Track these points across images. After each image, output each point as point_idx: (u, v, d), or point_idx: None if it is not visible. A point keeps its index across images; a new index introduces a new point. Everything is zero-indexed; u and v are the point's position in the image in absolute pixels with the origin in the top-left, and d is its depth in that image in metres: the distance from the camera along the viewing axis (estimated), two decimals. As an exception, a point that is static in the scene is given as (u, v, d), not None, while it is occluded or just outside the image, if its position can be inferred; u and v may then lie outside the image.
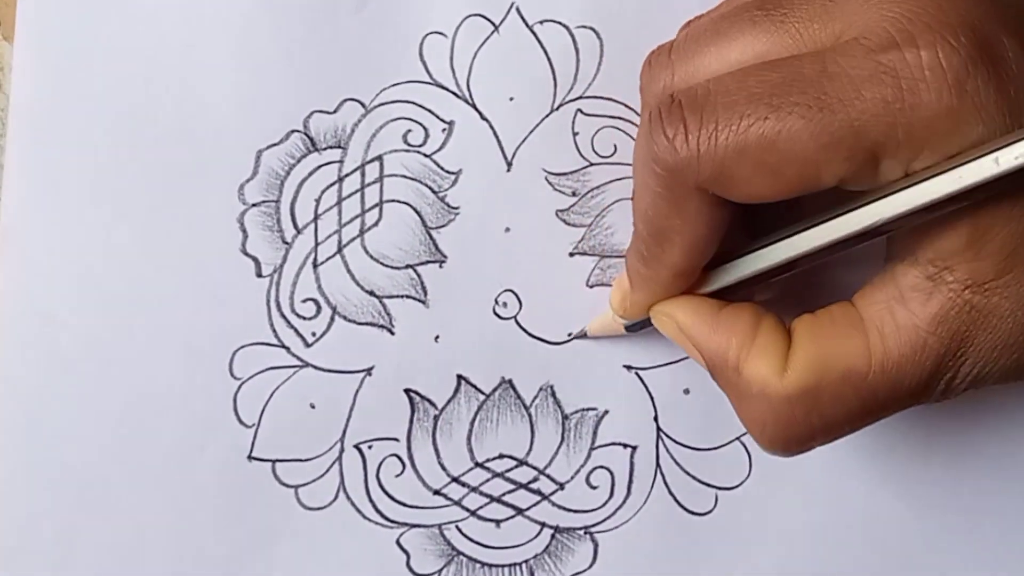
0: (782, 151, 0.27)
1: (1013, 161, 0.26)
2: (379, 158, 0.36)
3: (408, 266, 0.36)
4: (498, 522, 0.36)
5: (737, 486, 0.37)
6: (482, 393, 0.36)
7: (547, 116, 0.36)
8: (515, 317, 0.36)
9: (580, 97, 0.36)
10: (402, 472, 0.36)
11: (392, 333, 0.36)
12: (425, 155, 0.36)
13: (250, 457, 0.36)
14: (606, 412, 0.36)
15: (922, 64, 0.26)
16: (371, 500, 0.36)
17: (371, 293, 0.36)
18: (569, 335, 0.36)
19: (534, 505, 0.36)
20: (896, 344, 0.29)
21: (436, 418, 0.36)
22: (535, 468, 0.36)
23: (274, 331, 0.36)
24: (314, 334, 0.36)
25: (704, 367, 0.31)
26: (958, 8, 0.27)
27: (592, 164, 0.36)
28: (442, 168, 0.36)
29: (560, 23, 0.36)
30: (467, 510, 0.36)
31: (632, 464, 0.37)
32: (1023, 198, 0.27)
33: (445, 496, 0.36)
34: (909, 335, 0.28)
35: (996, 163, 0.26)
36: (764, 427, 0.30)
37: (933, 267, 0.28)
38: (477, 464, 0.36)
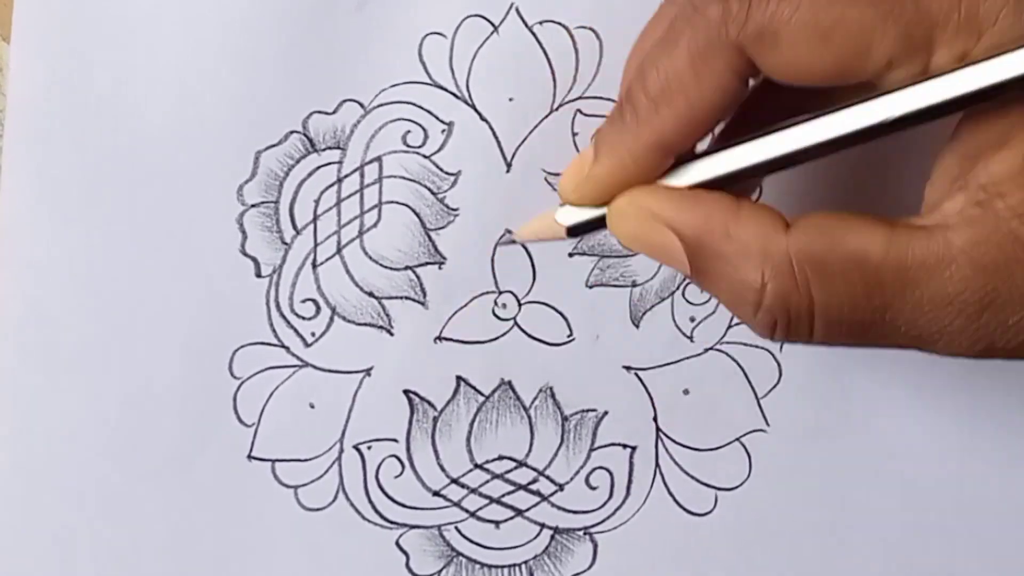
0: (838, 16, 0.26)
1: None
2: (378, 159, 0.36)
3: (407, 267, 0.36)
4: (497, 523, 0.36)
5: (737, 486, 0.37)
6: (481, 394, 0.36)
7: (546, 117, 0.36)
8: (514, 318, 0.36)
9: (580, 98, 0.36)
10: (401, 473, 0.36)
11: (391, 334, 0.36)
12: (424, 156, 0.36)
13: (250, 457, 0.36)
14: (605, 413, 0.36)
15: None
16: (370, 501, 0.36)
17: (370, 294, 0.36)
18: (500, 243, 0.36)
19: (534, 506, 0.36)
20: (922, 248, 0.26)
21: (435, 419, 0.36)
22: (534, 469, 0.36)
23: (274, 331, 0.36)
24: (313, 334, 0.36)
25: (678, 265, 0.28)
26: None
27: (592, 165, 0.36)
28: (441, 169, 0.36)
29: (559, 23, 0.36)
30: (466, 511, 0.36)
31: (631, 465, 0.37)
32: None
33: (444, 497, 0.36)
34: (938, 247, 0.25)
35: None
36: (763, 289, 0.26)
37: (984, 193, 0.26)
38: (476, 465, 0.36)
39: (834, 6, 0.26)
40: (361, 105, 0.36)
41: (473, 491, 0.36)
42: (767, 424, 0.37)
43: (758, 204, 0.27)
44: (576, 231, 0.30)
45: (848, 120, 0.26)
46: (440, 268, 0.36)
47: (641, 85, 0.28)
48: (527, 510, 0.36)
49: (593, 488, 0.36)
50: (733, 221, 0.27)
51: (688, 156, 0.28)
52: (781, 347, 0.37)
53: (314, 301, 0.36)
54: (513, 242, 0.36)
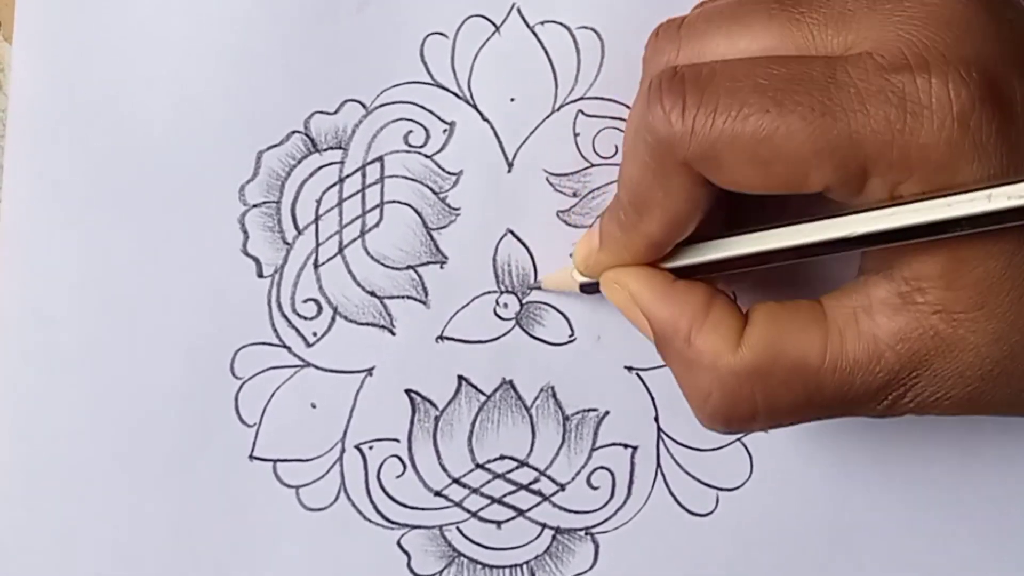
0: (776, 147, 0.27)
1: (1005, 201, 0.26)
2: (380, 159, 0.36)
3: (409, 267, 0.36)
4: (499, 523, 0.36)
5: (738, 487, 0.37)
6: (483, 394, 0.36)
7: (548, 117, 0.36)
8: (516, 318, 0.36)
9: (581, 98, 0.36)
10: (403, 473, 0.36)
11: (393, 334, 0.36)
12: (426, 156, 0.36)
13: (251, 457, 0.36)
14: (607, 413, 0.37)
15: (931, 91, 0.26)
16: (372, 501, 0.36)
17: (372, 294, 0.36)
18: (528, 288, 0.36)
19: (535, 506, 0.36)
20: (853, 348, 0.28)
21: (437, 419, 0.36)
22: (536, 469, 0.36)
23: (275, 331, 0.36)
24: (315, 334, 0.36)
25: (649, 338, 0.31)
26: (975, 42, 0.27)
27: (593, 165, 0.36)
28: (443, 169, 0.36)
29: (561, 24, 0.36)
30: (468, 511, 0.36)
31: (633, 465, 0.37)
32: (1003, 239, 0.27)
33: (446, 497, 0.36)
34: (867, 343, 0.28)
35: (988, 199, 0.26)
36: (709, 399, 0.30)
37: (907, 285, 0.28)
38: (478, 465, 0.36)
39: (772, 140, 0.27)
40: (363, 105, 0.36)
41: (474, 491, 0.36)
42: (768, 424, 0.37)
43: (725, 309, 0.30)
44: (586, 289, 0.34)
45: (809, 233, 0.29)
46: (442, 267, 0.36)
47: (623, 192, 0.30)
48: (528, 510, 0.36)
49: (594, 488, 0.36)
50: (696, 327, 0.30)
51: (690, 241, 0.31)
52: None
53: (316, 301, 0.36)
54: (539, 288, 0.36)
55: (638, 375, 0.36)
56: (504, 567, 0.36)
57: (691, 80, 0.28)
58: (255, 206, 0.36)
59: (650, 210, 0.30)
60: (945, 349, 0.28)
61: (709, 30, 0.30)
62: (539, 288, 0.36)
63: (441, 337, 0.36)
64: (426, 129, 0.36)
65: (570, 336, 0.36)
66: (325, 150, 0.36)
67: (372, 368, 0.36)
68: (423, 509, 0.36)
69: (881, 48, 0.27)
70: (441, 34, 0.36)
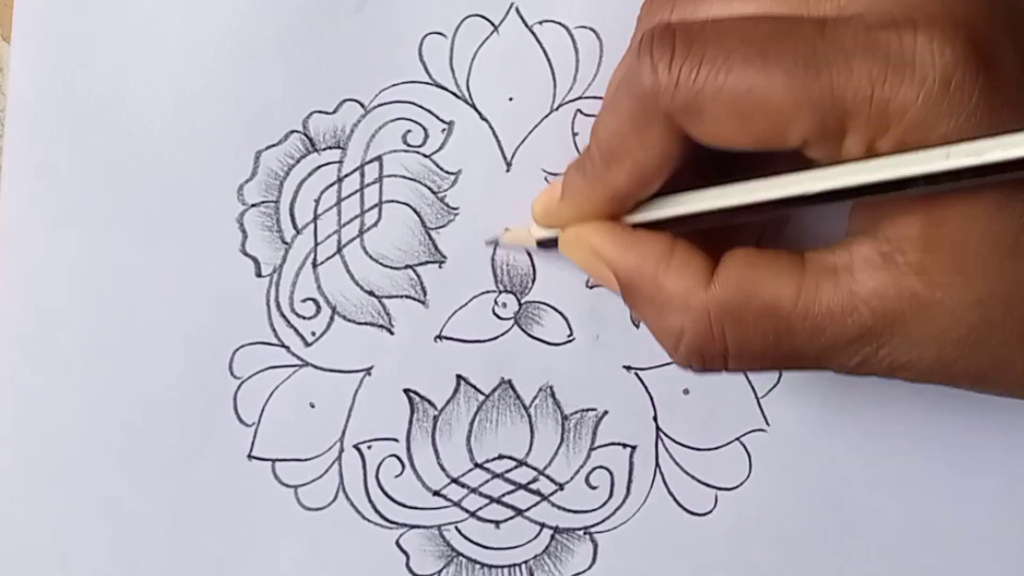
0: (757, 99, 0.27)
1: (964, 159, 0.25)
2: (378, 158, 0.36)
3: (407, 266, 0.36)
4: (498, 523, 0.36)
5: (737, 486, 0.37)
6: (481, 393, 0.36)
7: (547, 116, 0.36)
8: (514, 317, 0.36)
9: (580, 97, 0.36)
10: (401, 473, 0.36)
11: (392, 333, 0.36)
12: (424, 155, 0.36)
13: (250, 456, 0.36)
14: (605, 412, 0.37)
15: (915, 49, 0.26)
16: (370, 500, 0.36)
17: (371, 293, 0.36)
18: (486, 243, 0.36)
19: (534, 506, 0.36)
20: (828, 298, 0.28)
21: (435, 418, 0.36)
22: (535, 468, 0.36)
23: (274, 330, 0.36)
24: (314, 334, 0.36)
25: (615, 290, 0.31)
26: (966, 4, 0.27)
27: (592, 164, 0.36)
28: (441, 168, 0.36)
29: (559, 23, 0.36)
30: (467, 511, 0.36)
31: (631, 464, 0.37)
32: (982, 202, 0.27)
33: (444, 497, 0.36)
34: (843, 296, 0.28)
35: (946, 157, 0.26)
36: (681, 336, 0.30)
37: (888, 245, 0.28)
38: (476, 465, 0.36)
39: (754, 92, 0.27)
40: (361, 105, 0.36)
41: (473, 491, 0.36)
42: (767, 424, 0.37)
43: (689, 251, 0.30)
44: (543, 243, 0.34)
45: (785, 186, 0.28)
46: (440, 267, 0.36)
47: (595, 142, 0.30)
48: (527, 510, 0.36)
49: (593, 488, 0.36)
50: (663, 270, 0.30)
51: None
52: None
53: (314, 300, 0.36)
54: (497, 244, 0.36)
55: (636, 375, 0.36)
56: (503, 567, 0.36)
57: (681, 33, 0.28)
58: (254, 206, 0.36)
59: (620, 161, 0.30)
60: (922, 310, 0.28)
61: None
62: (497, 244, 0.36)
63: (440, 337, 0.36)
64: (425, 128, 0.36)
65: (568, 336, 0.36)
66: (324, 150, 0.36)
67: (371, 368, 0.36)
68: (422, 509, 0.36)
69: (871, 8, 0.27)
70: (440, 34, 0.36)
